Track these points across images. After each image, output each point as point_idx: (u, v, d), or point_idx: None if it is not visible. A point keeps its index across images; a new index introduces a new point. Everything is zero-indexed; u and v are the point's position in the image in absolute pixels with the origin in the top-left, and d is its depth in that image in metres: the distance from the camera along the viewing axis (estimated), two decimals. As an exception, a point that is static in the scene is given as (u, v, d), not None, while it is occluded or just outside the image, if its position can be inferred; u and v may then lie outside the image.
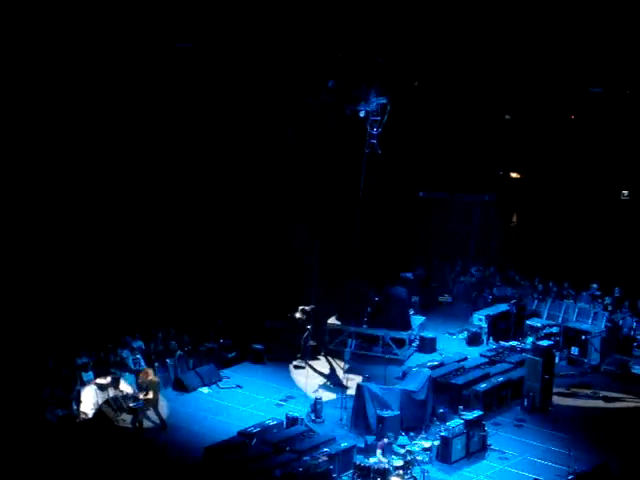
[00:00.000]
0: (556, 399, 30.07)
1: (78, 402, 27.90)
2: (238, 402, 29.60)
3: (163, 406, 28.53)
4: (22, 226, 30.35)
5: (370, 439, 26.43)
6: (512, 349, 32.94)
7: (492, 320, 34.50)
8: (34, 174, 30.77)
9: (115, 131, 32.45)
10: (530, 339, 33.40)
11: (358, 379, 29.68)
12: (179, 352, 31.04)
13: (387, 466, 24.79)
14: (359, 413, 27.91)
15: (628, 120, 37.56)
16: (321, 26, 34.01)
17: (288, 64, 34.43)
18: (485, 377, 30.08)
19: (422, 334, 33.93)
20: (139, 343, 30.49)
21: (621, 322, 34.11)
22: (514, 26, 36.63)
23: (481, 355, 32.49)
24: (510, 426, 28.64)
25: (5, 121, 29.91)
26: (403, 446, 26.06)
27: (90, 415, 27.77)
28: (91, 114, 31.79)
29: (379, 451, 25.43)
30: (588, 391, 31.02)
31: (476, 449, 26.87)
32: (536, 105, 38.33)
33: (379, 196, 36.50)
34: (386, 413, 27.26)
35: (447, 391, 29.20)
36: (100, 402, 28.01)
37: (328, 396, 29.76)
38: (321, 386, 30.71)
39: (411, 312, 34.38)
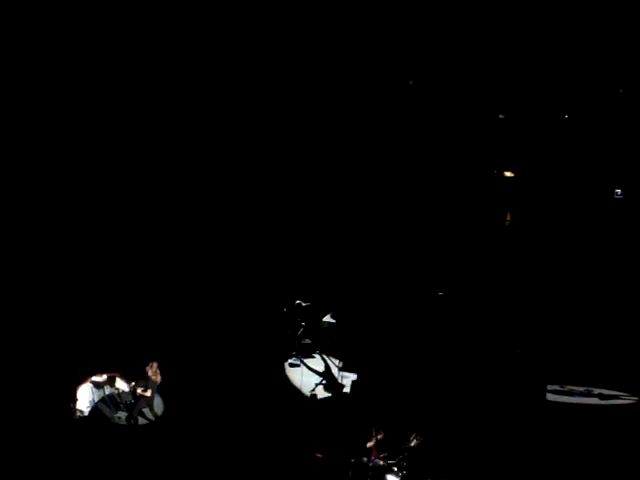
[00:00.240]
0: (551, 396, 30.19)
1: (74, 400, 27.90)
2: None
3: (158, 404, 28.56)
4: (23, 224, 30.39)
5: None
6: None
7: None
8: (34, 170, 30.83)
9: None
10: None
11: (353, 377, 29.74)
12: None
13: (382, 464, 24.85)
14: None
15: (622, 119, 37.63)
16: (318, 24, 34.10)
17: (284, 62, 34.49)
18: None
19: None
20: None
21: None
22: (510, 25, 36.69)
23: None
24: (508, 424, 28.71)
25: (5, 121, 29.94)
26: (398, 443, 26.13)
27: (86, 413, 27.78)
28: (91, 114, 31.83)
29: (370, 444, 25.46)
30: (582, 388, 31.15)
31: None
32: (530, 104, 38.38)
33: (376, 195, 36.62)
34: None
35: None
36: (96, 400, 28.01)
37: (324, 394, 29.81)
38: (317, 384, 30.77)
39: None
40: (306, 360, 32.66)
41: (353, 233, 35.90)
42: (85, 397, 28.08)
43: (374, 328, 33.07)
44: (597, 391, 31.16)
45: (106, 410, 27.80)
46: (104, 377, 28.52)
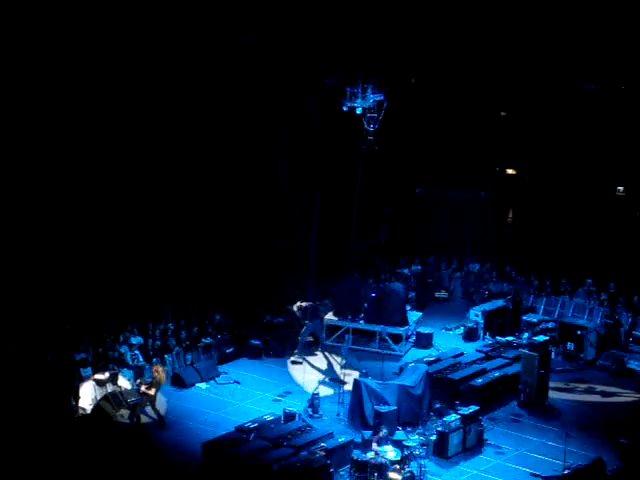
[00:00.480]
0: (552, 394, 30.20)
1: (76, 398, 27.97)
2: (236, 397, 29.70)
3: (161, 402, 28.63)
4: (22, 222, 30.44)
5: (367, 434, 26.49)
6: (508, 344, 32.99)
7: (488, 316, 34.60)
8: (34, 170, 30.86)
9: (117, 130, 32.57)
10: (526, 334, 33.50)
11: (355, 374, 29.80)
12: (177, 348, 31.14)
13: (384, 461, 24.90)
14: (356, 408, 28.02)
15: (623, 116, 37.62)
16: (318, 23, 34.09)
17: (285, 62, 34.49)
18: (481, 372, 30.19)
19: (419, 330, 34.03)
20: (138, 339, 30.61)
21: (623, 319, 34.18)
22: (509, 23, 36.67)
23: (477, 350, 32.58)
24: (506, 421, 28.77)
25: (6, 121, 29.98)
26: (399, 441, 26.17)
27: (88, 411, 27.85)
28: (92, 114, 31.87)
29: (374, 444, 25.51)
30: (584, 386, 31.18)
31: (473, 444, 26.98)
32: (532, 102, 38.39)
33: (376, 192, 36.63)
34: (383, 408, 27.35)
35: (444, 386, 29.33)
36: (98, 398, 28.08)
37: (325, 391, 29.89)
38: (319, 382, 30.83)
39: (408, 308, 34.47)
40: (308, 358, 32.73)
41: (352, 231, 35.93)
42: (88, 395, 28.15)
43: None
44: (599, 388, 31.21)
45: (108, 408, 27.85)
46: (106, 375, 28.58)
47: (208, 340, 31.91)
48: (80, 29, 30.53)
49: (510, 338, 33.50)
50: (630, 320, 34.17)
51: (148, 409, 27.80)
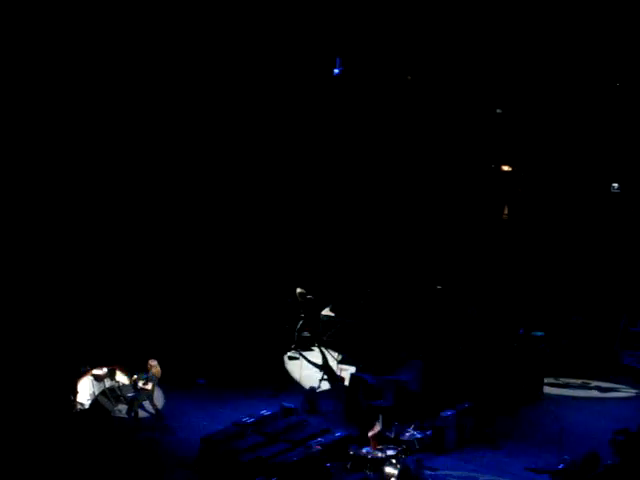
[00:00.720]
0: (547, 389, 30.33)
1: (74, 393, 28.04)
2: (233, 393, 29.78)
3: (159, 396, 28.73)
4: (22, 221, 30.49)
5: (364, 429, 26.59)
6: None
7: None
8: (34, 169, 30.91)
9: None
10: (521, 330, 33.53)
11: (352, 369, 29.90)
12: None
13: (381, 455, 25.01)
14: (353, 403, 28.13)
15: (619, 112, 37.70)
16: (317, 22, 34.20)
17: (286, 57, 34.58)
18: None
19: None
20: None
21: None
22: (507, 20, 36.76)
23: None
24: (503, 415, 28.89)
25: (6, 121, 30.01)
26: (396, 435, 26.28)
27: (86, 406, 27.93)
28: (92, 114, 31.90)
29: (371, 439, 25.62)
30: (579, 381, 31.30)
31: (469, 439, 27.12)
32: (527, 99, 38.46)
33: (376, 189, 36.70)
34: (379, 403, 27.47)
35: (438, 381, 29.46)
36: (96, 393, 28.15)
37: (322, 386, 29.98)
38: (316, 377, 30.92)
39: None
40: (305, 353, 32.82)
41: (352, 227, 36.03)
42: (86, 390, 28.23)
43: (373, 321, 33.23)
44: (595, 384, 31.33)
45: (106, 403, 27.92)
46: (104, 370, 28.65)
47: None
48: (81, 29, 30.54)
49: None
50: (625, 316, 34.29)
51: (146, 404, 27.88)
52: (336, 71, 34.01)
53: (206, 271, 34.24)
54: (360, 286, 34.38)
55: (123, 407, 28.07)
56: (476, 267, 38.86)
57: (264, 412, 27.27)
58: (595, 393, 30.81)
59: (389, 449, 25.30)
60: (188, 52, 33.19)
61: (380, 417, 26.62)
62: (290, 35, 34.07)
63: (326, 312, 34.01)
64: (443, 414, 26.93)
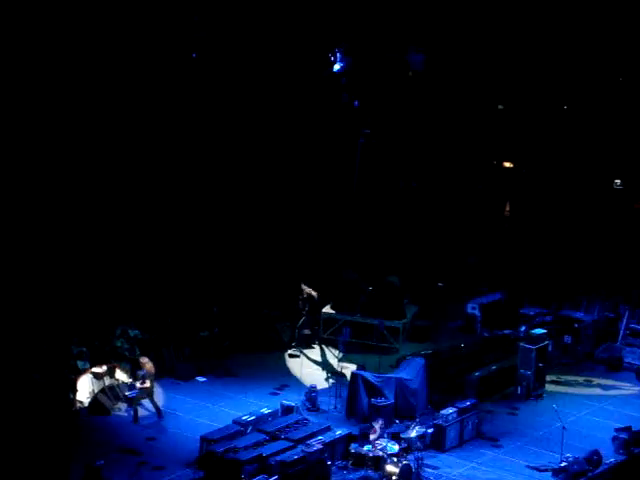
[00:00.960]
0: (549, 387, 30.24)
1: (74, 391, 27.97)
2: (233, 391, 29.72)
3: (159, 395, 28.65)
4: (22, 220, 30.39)
5: (364, 427, 26.52)
6: (505, 337, 33.02)
7: (485, 309, 34.61)
8: (34, 169, 30.80)
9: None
10: (523, 328, 33.51)
11: (352, 367, 29.83)
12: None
13: (382, 454, 24.94)
14: (353, 401, 28.05)
15: (621, 108, 37.59)
16: (317, 18, 34.11)
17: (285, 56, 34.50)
18: (479, 365, 30.21)
19: (416, 323, 34.02)
20: (135, 332, 30.60)
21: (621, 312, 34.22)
22: (508, 16, 36.66)
23: (474, 344, 32.61)
24: (503, 414, 28.81)
25: (6, 121, 29.93)
26: (397, 433, 26.19)
27: (86, 404, 27.86)
28: (92, 114, 31.83)
29: (372, 436, 25.54)
30: (581, 379, 31.22)
31: (470, 437, 27.06)
32: (529, 95, 38.36)
33: (374, 186, 36.62)
34: (380, 401, 27.40)
35: (441, 379, 29.36)
36: (96, 391, 28.09)
37: (323, 385, 29.91)
38: (317, 375, 30.84)
39: (405, 301, 34.47)
40: (306, 351, 32.74)
41: (353, 224, 35.97)
42: (85, 388, 28.16)
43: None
44: (597, 381, 31.24)
45: (106, 401, 27.86)
46: (104, 368, 28.58)
47: (205, 333, 31.89)
48: (81, 29, 30.44)
49: (507, 331, 33.49)
50: (627, 313, 34.20)
51: (146, 402, 27.80)
52: (337, 67, 33.90)
53: (206, 271, 34.23)
54: (360, 285, 34.29)
55: (123, 405, 27.99)
56: (477, 265, 38.84)
57: (264, 410, 27.18)
58: (597, 391, 30.72)
59: (390, 447, 25.22)
60: (185, 48, 33.13)
61: (381, 415, 26.58)
62: (290, 28, 33.97)
63: (327, 309, 33.93)
64: (444, 412, 26.86)
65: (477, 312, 34.56)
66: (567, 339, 33.14)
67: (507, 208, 40.75)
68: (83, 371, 28.46)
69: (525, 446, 26.94)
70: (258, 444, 25.29)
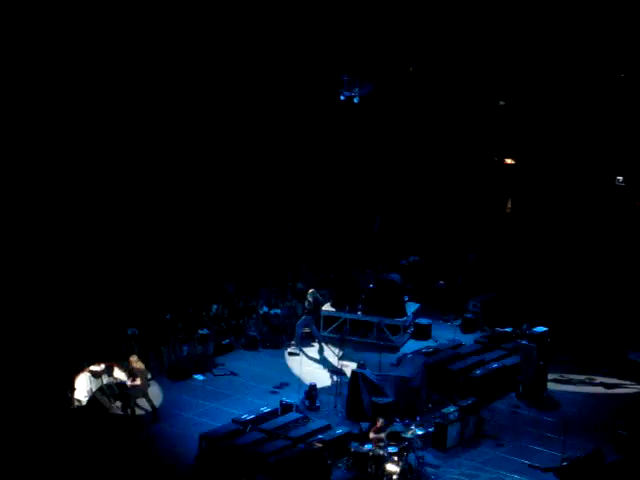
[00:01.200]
0: (551, 385, 30.11)
1: (72, 389, 27.85)
2: (232, 389, 29.58)
3: (156, 393, 28.51)
4: (22, 220, 30.40)
5: (365, 426, 26.39)
6: (507, 335, 32.84)
7: (486, 306, 34.49)
8: (33, 171, 30.81)
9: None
10: (525, 325, 33.36)
11: (353, 366, 29.70)
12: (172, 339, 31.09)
13: (382, 452, 24.80)
14: (353, 400, 27.92)
15: (623, 105, 37.51)
16: (317, 17, 34.09)
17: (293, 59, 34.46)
18: (480, 363, 30.08)
19: (417, 321, 33.92)
20: (133, 329, 30.50)
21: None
22: (509, 12, 36.62)
23: (475, 342, 32.48)
24: (505, 412, 28.66)
25: (6, 121, 29.93)
26: (397, 432, 26.03)
27: (84, 402, 27.73)
28: (93, 114, 31.82)
29: (372, 435, 25.39)
30: (584, 377, 31.10)
31: (471, 436, 26.91)
32: (531, 91, 38.29)
33: (375, 182, 36.59)
34: (381, 400, 27.27)
35: (442, 378, 29.23)
36: (94, 389, 27.96)
37: (323, 383, 29.79)
38: (317, 373, 30.72)
39: (405, 299, 34.35)
40: (305, 349, 32.63)
41: (354, 223, 35.93)
42: (83, 386, 28.04)
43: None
44: (600, 380, 31.11)
45: (104, 399, 27.72)
46: (102, 366, 28.47)
47: (205, 331, 31.77)
48: (81, 29, 30.43)
49: (509, 329, 33.33)
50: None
51: (141, 400, 27.67)
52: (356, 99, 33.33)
53: (205, 269, 34.17)
54: (360, 283, 34.18)
55: (121, 404, 27.83)
56: (478, 264, 38.76)
57: (264, 408, 27.03)
58: (600, 389, 30.59)
59: (391, 446, 25.07)
60: (183, 51, 33.17)
61: (381, 414, 26.43)
62: (289, 27, 33.98)
63: (327, 307, 33.81)
64: (445, 410, 26.72)
65: (478, 309, 34.45)
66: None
67: (509, 205, 40.70)
68: (81, 369, 28.33)
69: (526, 445, 26.79)
70: (257, 443, 25.13)
